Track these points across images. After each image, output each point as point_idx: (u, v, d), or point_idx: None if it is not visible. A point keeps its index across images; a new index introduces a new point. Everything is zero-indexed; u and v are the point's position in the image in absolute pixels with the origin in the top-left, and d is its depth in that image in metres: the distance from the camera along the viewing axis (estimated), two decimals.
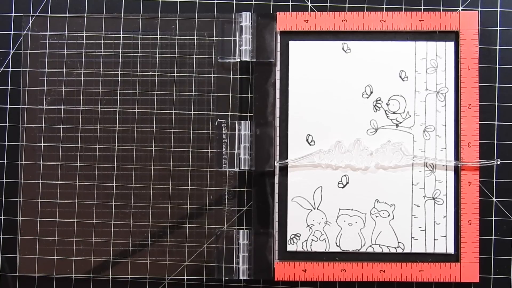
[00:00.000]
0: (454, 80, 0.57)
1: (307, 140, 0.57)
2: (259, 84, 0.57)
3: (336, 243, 0.56)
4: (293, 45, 0.58)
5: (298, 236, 0.57)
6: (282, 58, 0.58)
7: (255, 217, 0.57)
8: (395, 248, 0.56)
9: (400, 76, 0.57)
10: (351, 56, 0.57)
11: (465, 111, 0.56)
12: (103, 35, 0.59)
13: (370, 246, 0.56)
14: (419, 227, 0.56)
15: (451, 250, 0.56)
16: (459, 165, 0.56)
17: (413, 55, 0.57)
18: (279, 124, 0.57)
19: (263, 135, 0.57)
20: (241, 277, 0.56)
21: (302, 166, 0.57)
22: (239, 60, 0.58)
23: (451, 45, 0.57)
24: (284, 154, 0.57)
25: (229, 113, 0.58)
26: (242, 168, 0.57)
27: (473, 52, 0.56)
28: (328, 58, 0.57)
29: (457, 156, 0.56)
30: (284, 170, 0.57)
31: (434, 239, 0.56)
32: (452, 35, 0.57)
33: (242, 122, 0.57)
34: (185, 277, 0.57)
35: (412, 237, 0.56)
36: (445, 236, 0.56)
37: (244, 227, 0.57)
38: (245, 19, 0.57)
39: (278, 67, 0.58)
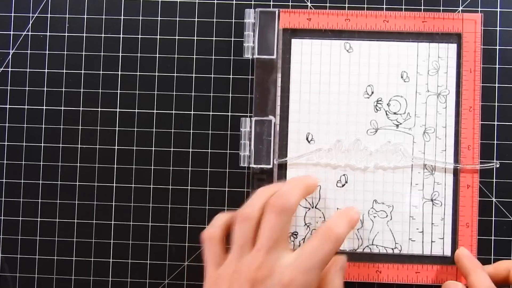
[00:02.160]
0: (455, 82, 0.56)
1: (306, 139, 0.57)
2: (260, 81, 0.57)
3: None
4: (295, 43, 0.57)
5: (295, 234, 0.57)
6: (284, 56, 0.57)
7: None
8: (392, 249, 0.56)
9: (402, 77, 0.57)
10: (353, 56, 0.57)
11: (466, 114, 0.56)
12: (103, 35, 0.59)
13: (367, 246, 0.56)
14: (417, 229, 0.56)
15: (448, 252, 0.56)
16: (458, 168, 0.56)
17: (415, 56, 0.57)
18: (279, 121, 0.57)
19: (263, 132, 0.57)
20: (241, 164, 0.57)
21: (301, 164, 0.57)
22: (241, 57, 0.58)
23: (453, 47, 0.56)
24: (283, 152, 0.57)
25: (229, 113, 0.58)
26: (241, 165, 0.57)
27: (476, 55, 0.56)
28: (330, 57, 0.57)
29: (456, 159, 0.56)
30: (283, 168, 0.57)
31: (432, 241, 0.56)
32: (455, 37, 0.56)
33: (242, 119, 0.57)
34: (186, 275, 0.58)
35: (409, 239, 0.56)
36: (443, 239, 0.56)
37: None
38: (248, 16, 0.57)
39: (279, 65, 0.57)
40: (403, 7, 0.58)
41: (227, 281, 0.46)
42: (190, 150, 0.58)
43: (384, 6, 0.58)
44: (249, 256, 0.47)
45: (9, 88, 0.59)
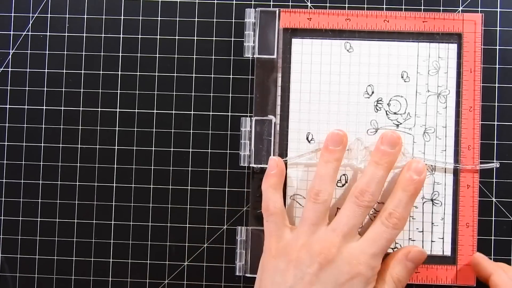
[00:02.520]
0: (455, 82, 0.56)
1: (307, 138, 0.57)
2: (261, 80, 0.57)
3: None
4: (296, 42, 0.57)
5: None
6: (285, 56, 0.57)
7: (252, 214, 0.57)
8: (392, 249, 0.56)
9: (402, 77, 0.57)
10: (353, 56, 0.57)
11: (466, 114, 0.56)
12: (103, 35, 0.59)
13: None
14: (417, 228, 0.56)
15: (448, 252, 0.56)
16: (458, 168, 0.56)
17: (415, 56, 0.57)
18: (280, 121, 0.57)
19: (263, 132, 0.57)
20: (237, 274, 0.57)
21: (301, 164, 0.57)
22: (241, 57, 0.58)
23: (453, 47, 0.56)
24: (283, 151, 0.57)
25: (229, 113, 0.58)
26: (241, 164, 0.57)
27: (476, 55, 0.56)
28: (331, 57, 0.57)
29: (456, 159, 0.56)
30: None
31: (432, 241, 0.56)
32: (456, 37, 0.56)
33: (242, 118, 0.57)
34: (186, 275, 0.58)
35: (409, 238, 0.56)
36: (442, 238, 0.56)
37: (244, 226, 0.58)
38: (249, 16, 0.57)
39: (280, 64, 0.57)
40: (403, 7, 0.58)
41: (295, 251, 0.51)
42: (190, 150, 0.58)
43: (384, 6, 0.58)
44: (322, 233, 0.51)
45: (9, 88, 0.59)
